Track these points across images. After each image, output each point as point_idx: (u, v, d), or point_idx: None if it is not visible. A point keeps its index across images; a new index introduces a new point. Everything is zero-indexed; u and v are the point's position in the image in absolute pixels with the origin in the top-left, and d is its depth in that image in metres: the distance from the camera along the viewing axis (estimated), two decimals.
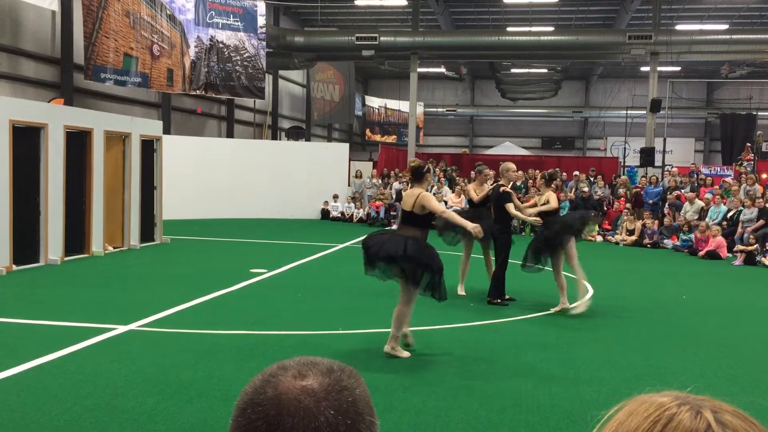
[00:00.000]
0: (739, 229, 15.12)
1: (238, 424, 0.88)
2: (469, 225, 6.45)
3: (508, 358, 6.39)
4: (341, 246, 14.66)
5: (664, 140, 24.56)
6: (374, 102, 38.60)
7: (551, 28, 26.72)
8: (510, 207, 8.59)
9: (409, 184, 7.15)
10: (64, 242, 11.42)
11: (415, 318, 7.80)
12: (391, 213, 19.94)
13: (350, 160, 22.90)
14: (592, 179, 20.48)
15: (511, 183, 9.52)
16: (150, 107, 21.55)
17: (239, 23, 20.98)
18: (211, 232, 16.49)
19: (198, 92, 20.63)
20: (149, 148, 13.99)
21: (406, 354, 6.27)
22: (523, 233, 16.17)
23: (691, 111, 37.01)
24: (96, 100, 18.50)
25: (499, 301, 8.77)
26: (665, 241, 16.42)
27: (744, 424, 0.75)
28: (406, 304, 6.23)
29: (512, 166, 9.28)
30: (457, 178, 21.39)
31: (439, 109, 40.27)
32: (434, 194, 19.91)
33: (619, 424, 0.79)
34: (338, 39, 24.48)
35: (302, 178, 20.96)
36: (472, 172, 9.65)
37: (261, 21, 21.66)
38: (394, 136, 38.39)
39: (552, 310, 8.46)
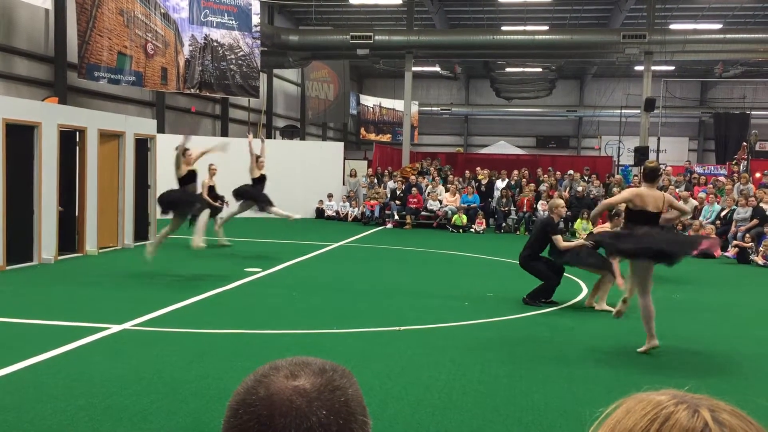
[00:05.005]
0: (733, 228, 15.16)
1: (230, 424, 0.87)
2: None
3: (502, 356, 6.39)
4: (336, 245, 14.65)
5: (658, 139, 24.61)
6: (369, 101, 38.56)
7: (546, 28, 26.75)
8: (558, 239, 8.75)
9: (641, 185, 6.92)
10: (58, 241, 11.38)
11: (412, 316, 7.80)
12: (386, 212, 19.90)
13: (345, 159, 22.87)
14: (586, 178, 20.51)
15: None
16: (144, 106, 21.48)
17: (234, 22, 20.93)
18: (205, 230, 16.39)
19: (192, 91, 20.57)
20: (143, 147, 13.95)
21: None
22: None
23: (685, 110, 37.09)
24: (90, 98, 18.43)
25: (532, 303, 8.74)
26: None
27: (742, 423, 0.74)
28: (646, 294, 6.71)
29: (561, 202, 9.44)
30: (450, 176, 21.39)
31: (434, 108, 40.23)
32: (429, 193, 19.92)
33: (617, 422, 0.79)
34: (333, 38, 24.44)
35: (297, 177, 20.91)
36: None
37: (255, 20, 21.62)
38: (389, 135, 38.37)
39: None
